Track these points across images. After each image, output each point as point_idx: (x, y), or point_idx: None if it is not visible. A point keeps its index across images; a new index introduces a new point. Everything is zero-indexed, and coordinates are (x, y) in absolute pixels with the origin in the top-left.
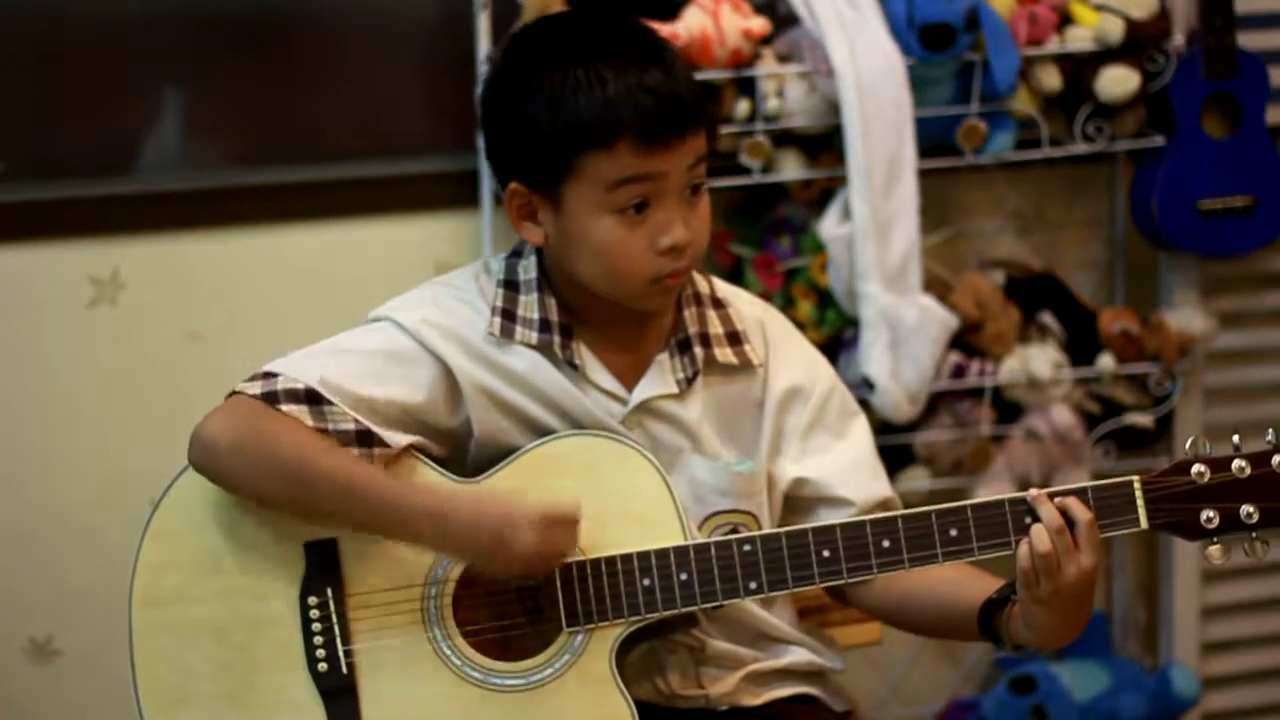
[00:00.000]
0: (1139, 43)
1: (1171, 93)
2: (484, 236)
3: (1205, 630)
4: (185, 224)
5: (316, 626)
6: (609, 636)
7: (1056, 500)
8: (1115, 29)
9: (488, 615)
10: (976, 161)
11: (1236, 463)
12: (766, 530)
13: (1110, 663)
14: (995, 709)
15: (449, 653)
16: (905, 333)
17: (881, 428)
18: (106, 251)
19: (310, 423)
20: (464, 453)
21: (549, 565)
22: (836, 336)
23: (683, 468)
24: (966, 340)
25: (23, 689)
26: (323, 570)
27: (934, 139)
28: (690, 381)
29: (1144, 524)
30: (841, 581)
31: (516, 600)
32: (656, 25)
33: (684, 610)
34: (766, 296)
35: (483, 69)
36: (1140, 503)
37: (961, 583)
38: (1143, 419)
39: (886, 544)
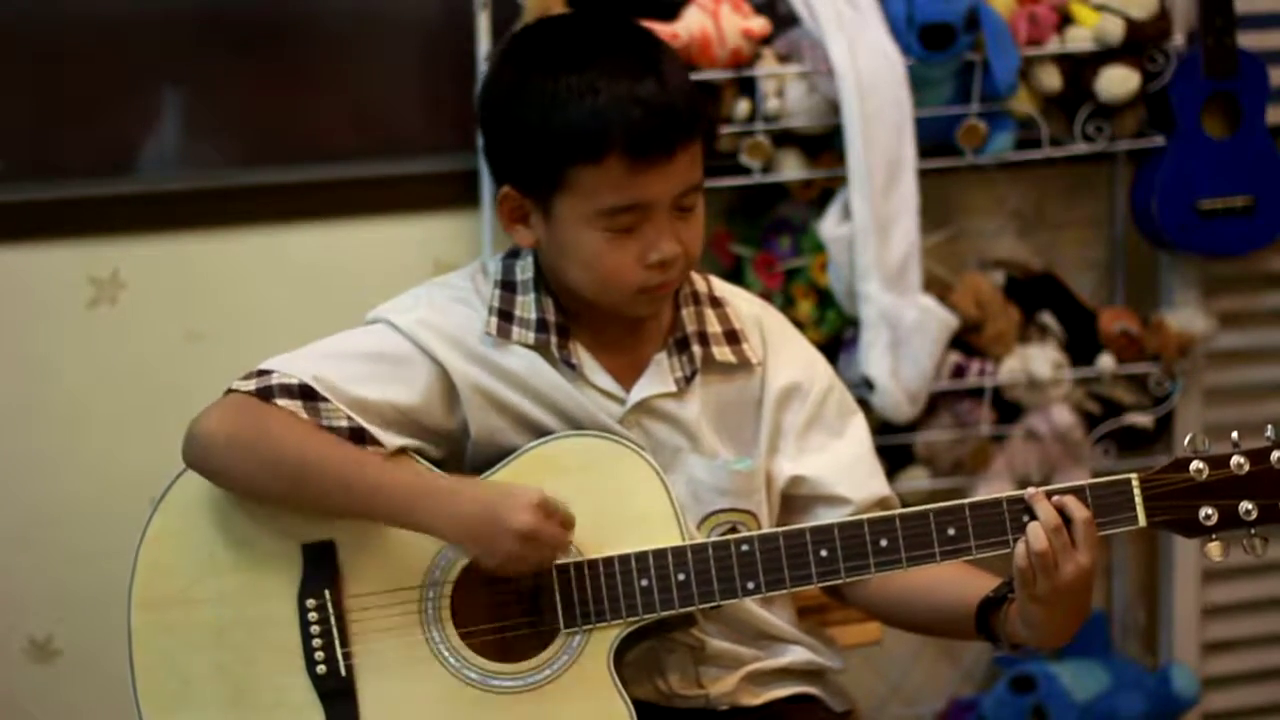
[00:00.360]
0: (1139, 43)
1: (1171, 93)
2: (484, 236)
3: (1205, 630)
4: (185, 224)
5: (315, 629)
6: (607, 637)
7: (1054, 499)
8: (1115, 29)
9: (486, 616)
10: (976, 161)
11: (1235, 459)
12: (764, 530)
13: (1110, 663)
14: (995, 708)
15: (447, 654)
16: (905, 333)
17: (881, 428)
18: (106, 251)
19: (304, 417)
20: (461, 454)
21: (539, 551)
22: (836, 336)
23: (681, 467)
24: (966, 340)
25: (23, 689)
26: (321, 572)
27: (934, 139)
28: (689, 380)
29: (1142, 521)
30: (839, 581)
31: (515, 601)
32: (656, 25)
33: (682, 611)
34: (766, 296)
35: (483, 69)
36: (1138, 500)
37: (959, 581)
38: (1143, 419)
39: (884, 543)
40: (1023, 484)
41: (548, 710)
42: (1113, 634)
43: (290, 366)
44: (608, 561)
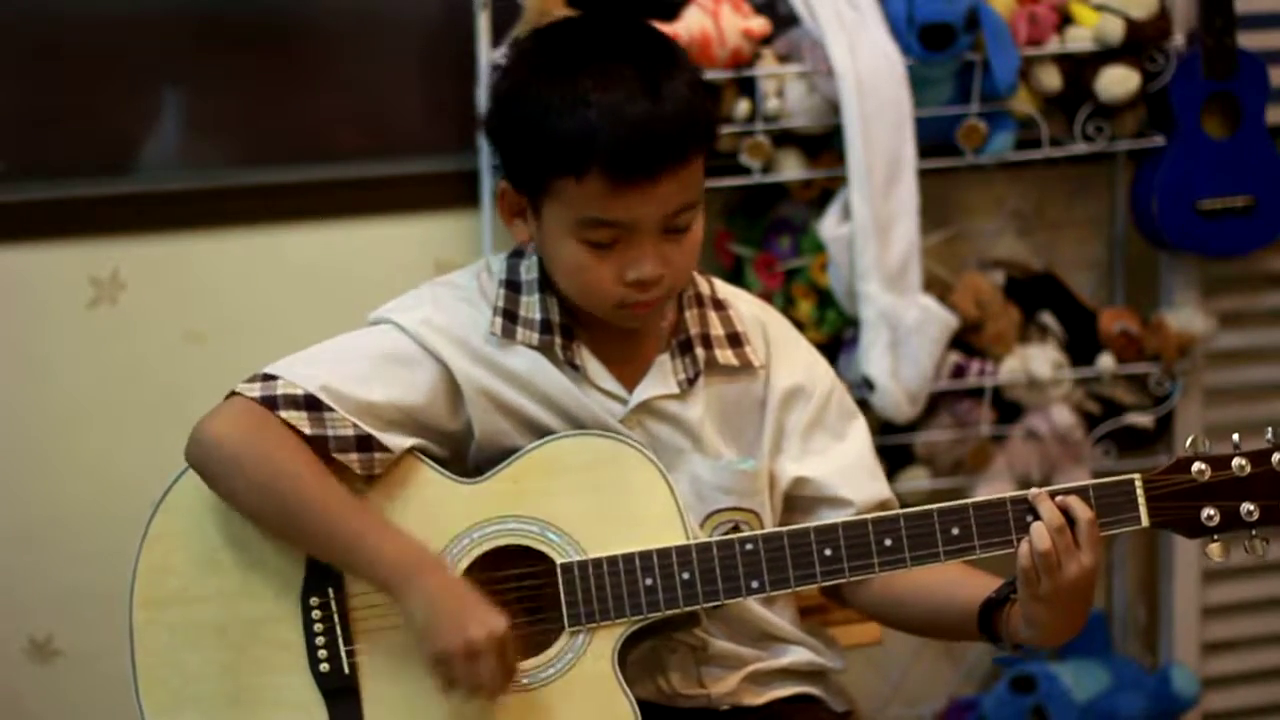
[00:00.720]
0: (1139, 43)
1: (1171, 93)
2: (484, 236)
3: (1205, 630)
4: (185, 224)
5: (318, 627)
6: (611, 636)
7: (1058, 499)
8: (1115, 29)
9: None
10: (976, 161)
11: (1237, 461)
12: (768, 529)
13: (1110, 663)
14: (995, 708)
15: None
16: (905, 333)
17: (881, 428)
18: (106, 251)
19: (309, 429)
20: (465, 454)
21: (470, 669)
22: (836, 336)
23: (684, 466)
24: (966, 340)
25: (23, 689)
26: (324, 570)
27: (934, 139)
28: (691, 383)
29: (1145, 522)
30: (844, 580)
31: (518, 601)
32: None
33: (686, 609)
34: (766, 296)
35: (483, 69)
36: (1141, 501)
37: (960, 582)
38: (1143, 419)
39: (889, 542)
40: (1023, 484)
41: (552, 709)
42: (1113, 634)
43: (296, 374)
44: (611, 560)
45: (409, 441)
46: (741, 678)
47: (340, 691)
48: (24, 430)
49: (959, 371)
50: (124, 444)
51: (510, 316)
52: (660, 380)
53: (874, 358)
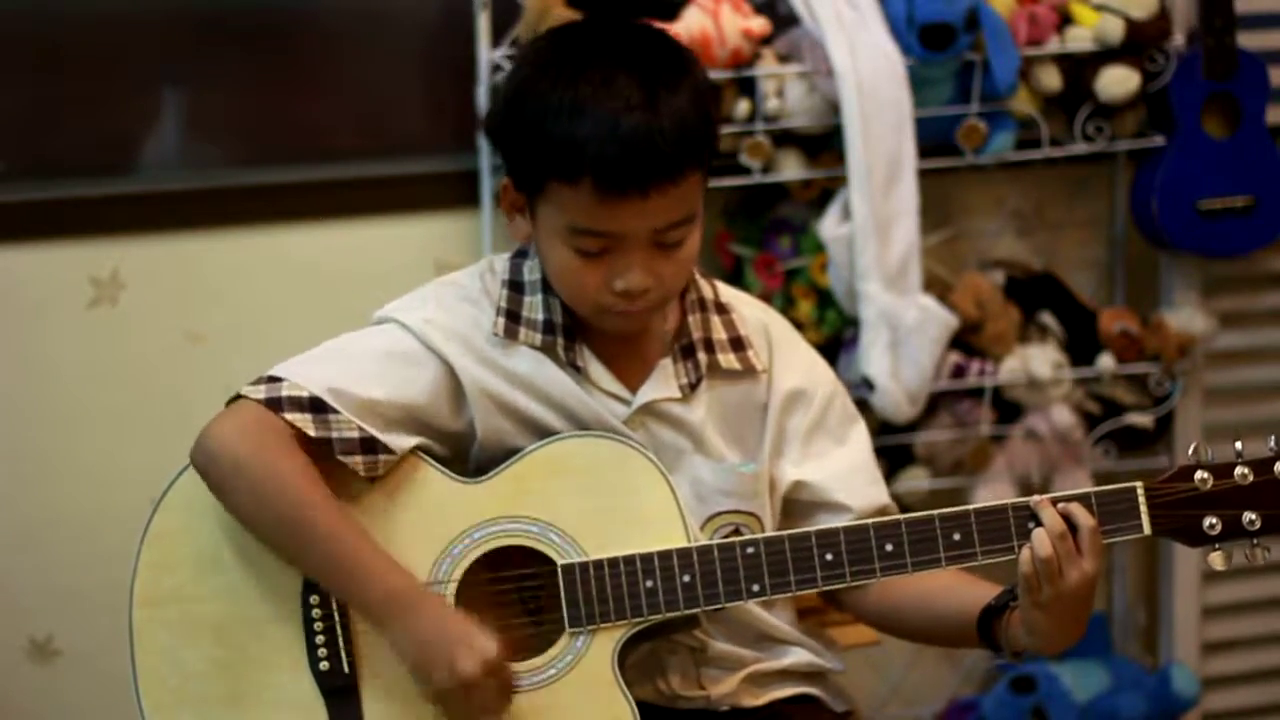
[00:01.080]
0: (1139, 43)
1: (1171, 93)
2: (484, 237)
3: (1205, 630)
4: (185, 224)
5: (318, 625)
6: (611, 638)
7: (1060, 506)
8: (1115, 29)
9: (490, 616)
10: (976, 161)
11: (1239, 469)
12: (769, 533)
13: (1110, 663)
14: (995, 709)
15: None
16: (905, 333)
17: (881, 428)
18: (106, 251)
19: (313, 431)
20: (467, 454)
21: (468, 701)
22: (836, 336)
23: (685, 468)
24: (966, 340)
25: (23, 689)
26: None
27: (934, 139)
28: (694, 387)
29: (1147, 530)
30: (844, 585)
31: (519, 601)
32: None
33: (686, 612)
34: (767, 296)
35: (483, 69)
36: (1143, 509)
37: (959, 590)
38: (1143, 419)
39: (890, 548)
40: (1023, 484)
41: (552, 710)
42: (1113, 634)
43: (301, 375)
44: (612, 562)
45: (412, 441)
46: (741, 679)
47: (340, 690)
48: (24, 430)
49: (959, 371)
50: (124, 444)
51: (513, 317)
52: (663, 383)
53: (874, 358)
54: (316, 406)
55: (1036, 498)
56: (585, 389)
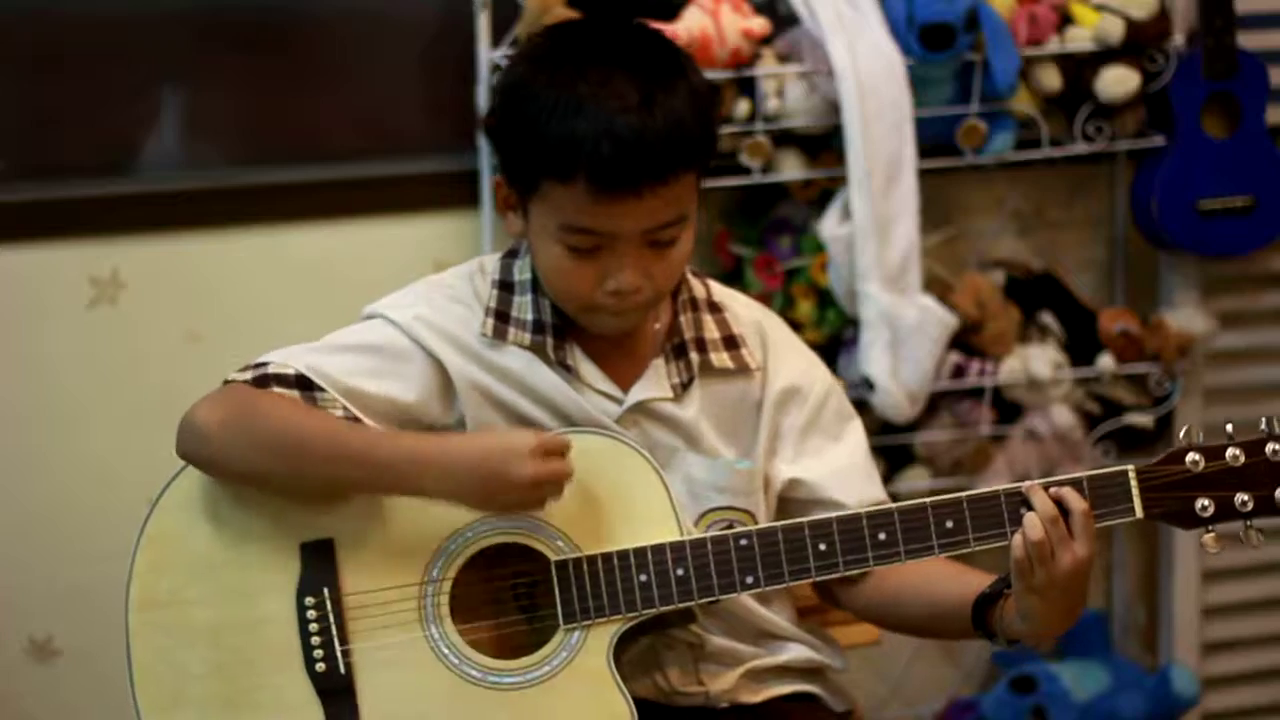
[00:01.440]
0: (1139, 43)
1: (1171, 93)
2: (484, 236)
3: (1205, 630)
4: (185, 224)
5: (314, 627)
6: (606, 633)
7: (1051, 490)
8: (1115, 29)
9: (485, 613)
10: (976, 161)
11: (1230, 451)
12: (762, 524)
13: (1110, 663)
14: (995, 709)
15: (447, 651)
16: (905, 333)
17: (881, 428)
18: (106, 251)
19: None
20: None
21: (544, 494)
22: (836, 336)
23: (678, 465)
24: (966, 340)
25: (23, 689)
26: (319, 570)
27: (934, 139)
28: (685, 387)
29: (1139, 513)
30: (838, 575)
31: (513, 598)
32: (657, 26)
33: (681, 606)
34: (767, 296)
35: (483, 69)
36: (1135, 492)
37: (953, 579)
38: (1143, 419)
39: (882, 536)
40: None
41: (548, 706)
42: (1113, 634)
43: (287, 358)
44: (606, 557)
45: None
46: (740, 675)
47: (336, 691)
48: (24, 430)
49: (959, 371)
50: (124, 444)
51: (502, 317)
52: (655, 383)
53: (874, 358)
54: (303, 384)
55: (1028, 483)
56: (576, 388)
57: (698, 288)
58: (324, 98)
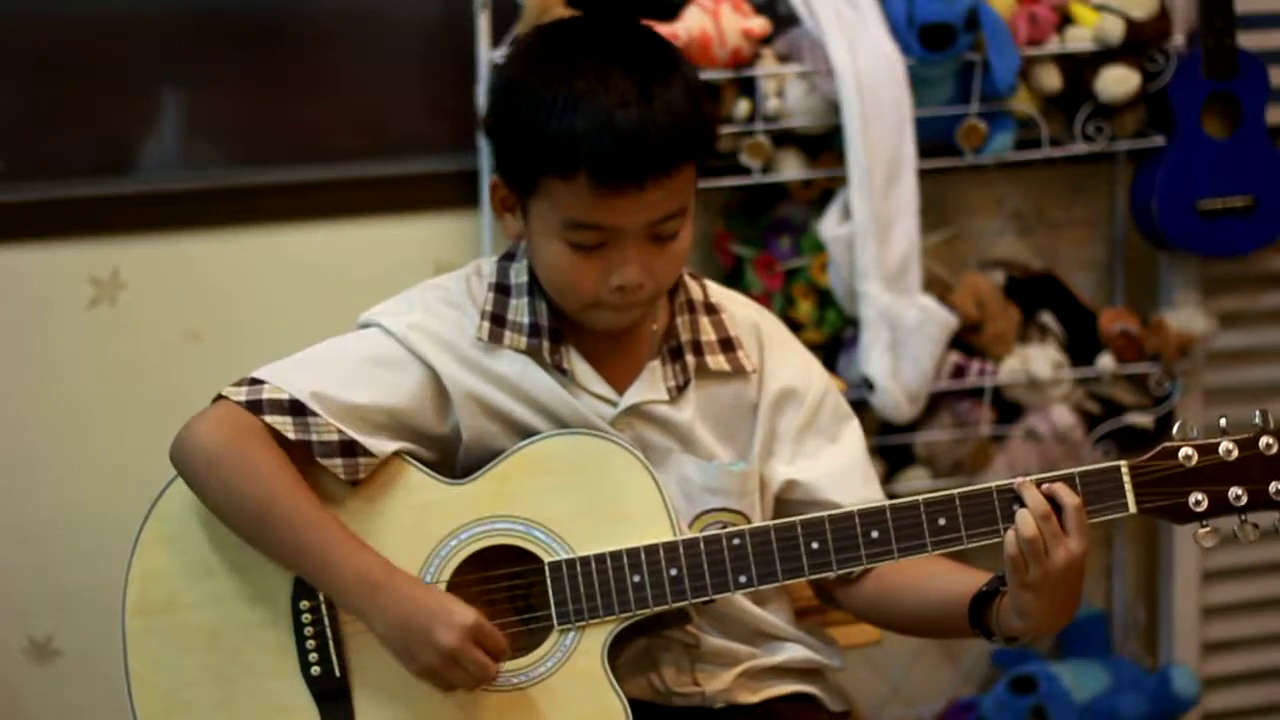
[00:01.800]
0: (1139, 43)
1: (1171, 93)
2: (484, 237)
3: (1205, 630)
4: (185, 224)
5: (309, 630)
6: (600, 634)
7: (1044, 486)
8: (1115, 29)
9: (480, 615)
10: (976, 161)
11: (1224, 445)
12: (755, 524)
13: (1110, 663)
14: (995, 709)
15: None
16: (905, 333)
17: (881, 428)
18: (106, 251)
19: (293, 434)
20: (453, 457)
21: (458, 673)
22: (836, 336)
23: (672, 467)
24: (966, 340)
25: (23, 689)
26: None
27: (934, 139)
28: (681, 390)
29: (1132, 508)
30: (831, 574)
31: (508, 599)
32: (656, 26)
33: (675, 606)
34: (766, 296)
35: (483, 69)
36: (1128, 487)
37: (950, 578)
38: (1143, 419)
39: (875, 534)
40: None
41: (542, 707)
42: (1113, 634)
43: (283, 379)
44: (599, 558)
45: (394, 445)
46: (736, 675)
47: (332, 694)
48: (24, 430)
49: (959, 371)
50: (124, 444)
51: (498, 321)
52: (650, 386)
53: (874, 358)
54: (296, 409)
55: (1020, 479)
56: (571, 391)
57: (695, 289)
58: (324, 98)
